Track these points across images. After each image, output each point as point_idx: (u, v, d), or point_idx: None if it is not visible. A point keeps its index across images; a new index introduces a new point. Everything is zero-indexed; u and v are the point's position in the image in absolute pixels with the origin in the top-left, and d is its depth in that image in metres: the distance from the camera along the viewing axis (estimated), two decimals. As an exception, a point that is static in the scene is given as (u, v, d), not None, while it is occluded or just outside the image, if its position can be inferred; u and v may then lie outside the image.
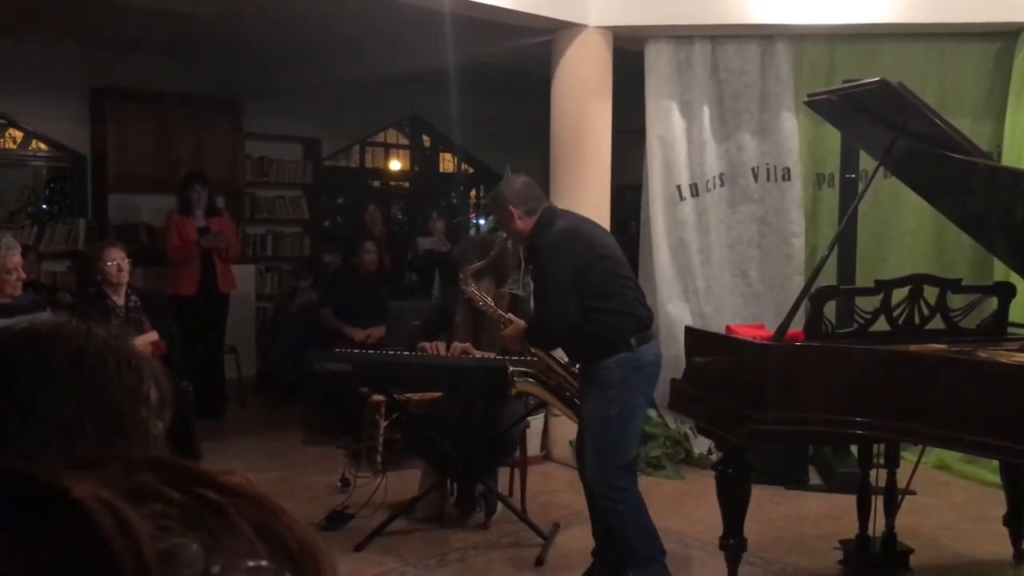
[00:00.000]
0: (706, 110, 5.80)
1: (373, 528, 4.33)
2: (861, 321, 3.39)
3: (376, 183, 10.48)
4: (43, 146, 7.73)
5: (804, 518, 4.71)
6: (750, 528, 3.50)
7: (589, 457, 3.61)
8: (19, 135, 7.66)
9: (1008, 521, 4.00)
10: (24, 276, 4.41)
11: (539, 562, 4.11)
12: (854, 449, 4.44)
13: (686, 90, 5.78)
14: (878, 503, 3.80)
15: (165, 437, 0.92)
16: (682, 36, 5.72)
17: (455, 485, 4.72)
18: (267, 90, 7.97)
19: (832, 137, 5.27)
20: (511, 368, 4.03)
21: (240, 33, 6.77)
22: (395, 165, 10.55)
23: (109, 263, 4.83)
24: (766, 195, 5.79)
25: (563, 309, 3.49)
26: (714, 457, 4.05)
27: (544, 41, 5.62)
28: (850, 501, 3.95)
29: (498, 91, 8.40)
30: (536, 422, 5.40)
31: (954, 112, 4.93)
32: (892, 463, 3.84)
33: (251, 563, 0.42)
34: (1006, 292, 3.71)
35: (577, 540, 4.19)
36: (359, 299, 6.34)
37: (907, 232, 5.70)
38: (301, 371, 4.94)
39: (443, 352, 4.52)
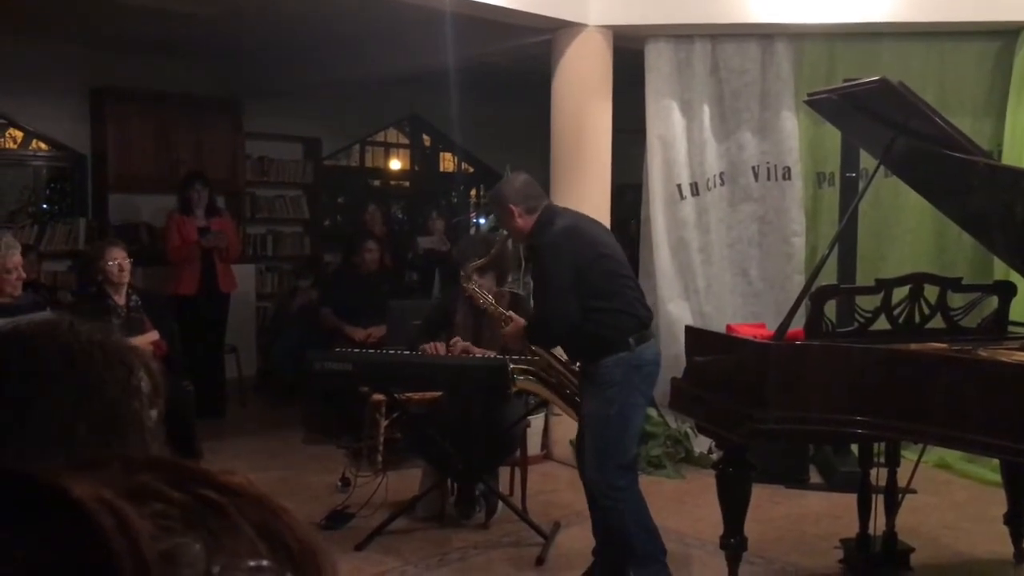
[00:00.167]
0: (706, 109, 5.80)
1: (374, 527, 4.33)
2: (861, 320, 3.39)
3: (376, 182, 10.48)
4: (43, 146, 7.73)
5: (805, 517, 4.71)
6: (751, 527, 3.50)
7: (589, 456, 3.61)
8: (19, 135, 7.66)
9: (1009, 520, 4.00)
10: (24, 276, 4.41)
11: (540, 561, 4.11)
12: (855, 448, 4.44)
13: (686, 89, 5.78)
14: (879, 502, 3.80)
15: (160, 425, 0.91)
16: (682, 35, 5.72)
17: (455, 484, 4.72)
18: (267, 90, 7.97)
19: (832, 136, 5.27)
20: (511, 366, 4.03)
21: (240, 33, 6.77)
22: (395, 164, 10.55)
23: (110, 262, 4.83)
24: (766, 194, 5.79)
25: (563, 308, 3.49)
26: (715, 456, 4.05)
27: (544, 40, 5.62)
28: (851, 500, 3.95)
29: (498, 90, 8.40)
30: (536, 421, 5.41)
31: (954, 111, 4.92)
32: (893, 462, 3.84)
33: (252, 563, 0.42)
34: (1006, 291, 3.71)
35: (578, 539, 4.19)
36: (359, 299, 6.34)
37: (907, 231, 5.70)
38: (301, 371, 4.94)
39: (443, 352, 4.53)
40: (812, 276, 3.46)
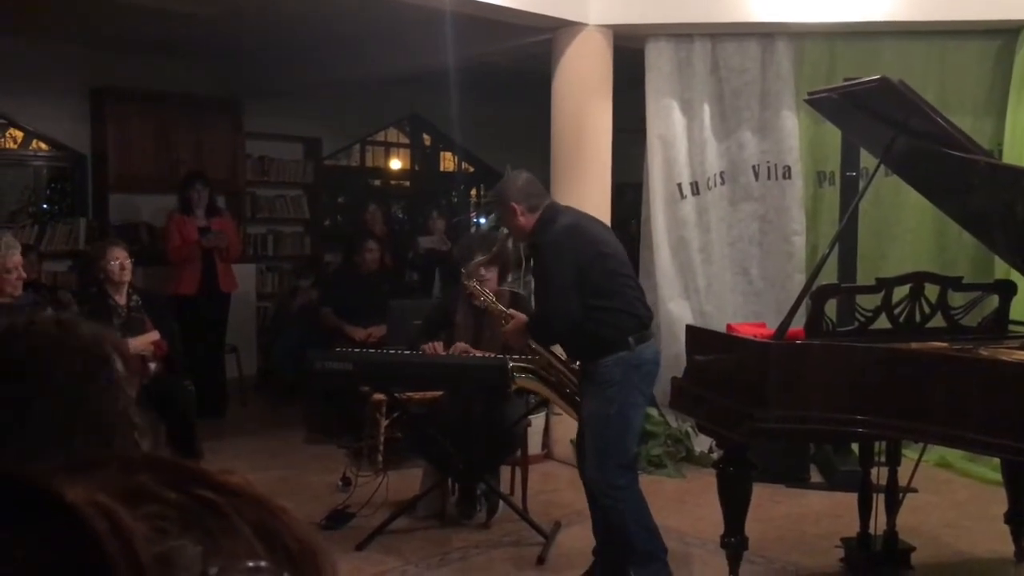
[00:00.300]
0: (706, 108, 5.80)
1: (374, 527, 4.33)
2: (862, 319, 3.39)
3: (377, 182, 10.48)
4: (44, 146, 7.73)
5: (805, 516, 4.71)
6: (751, 526, 3.50)
7: (589, 456, 3.61)
8: (20, 135, 7.66)
9: (1009, 519, 3.99)
10: (24, 276, 4.41)
11: (540, 561, 4.11)
12: (855, 447, 4.44)
13: (686, 88, 5.78)
14: (879, 501, 3.80)
15: (143, 412, 0.91)
16: (682, 34, 5.72)
17: (456, 484, 4.72)
18: (267, 90, 7.97)
19: (833, 135, 5.27)
20: (511, 363, 4.03)
21: (240, 33, 6.77)
22: (396, 164, 10.55)
23: (112, 262, 4.84)
24: (767, 193, 5.79)
25: (565, 306, 3.49)
26: (715, 455, 4.05)
27: (544, 40, 5.62)
28: (851, 499, 3.95)
29: (498, 90, 8.40)
30: (537, 421, 5.41)
31: (955, 110, 4.92)
32: (893, 461, 3.84)
33: (250, 563, 0.42)
34: (1007, 290, 3.71)
35: (578, 539, 4.19)
36: (360, 298, 6.34)
37: (908, 230, 5.70)
38: (302, 370, 4.94)
39: (441, 352, 4.53)
40: (812, 275, 3.46)
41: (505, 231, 4.07)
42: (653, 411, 5.40)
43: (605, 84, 5.62)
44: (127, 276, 4.91)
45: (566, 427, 5.20)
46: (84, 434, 0.85)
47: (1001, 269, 4.62)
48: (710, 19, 5.51)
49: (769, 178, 5.78)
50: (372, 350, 5.28)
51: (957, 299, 3.63)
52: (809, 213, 5.78)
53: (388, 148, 10.46)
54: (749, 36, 5.68)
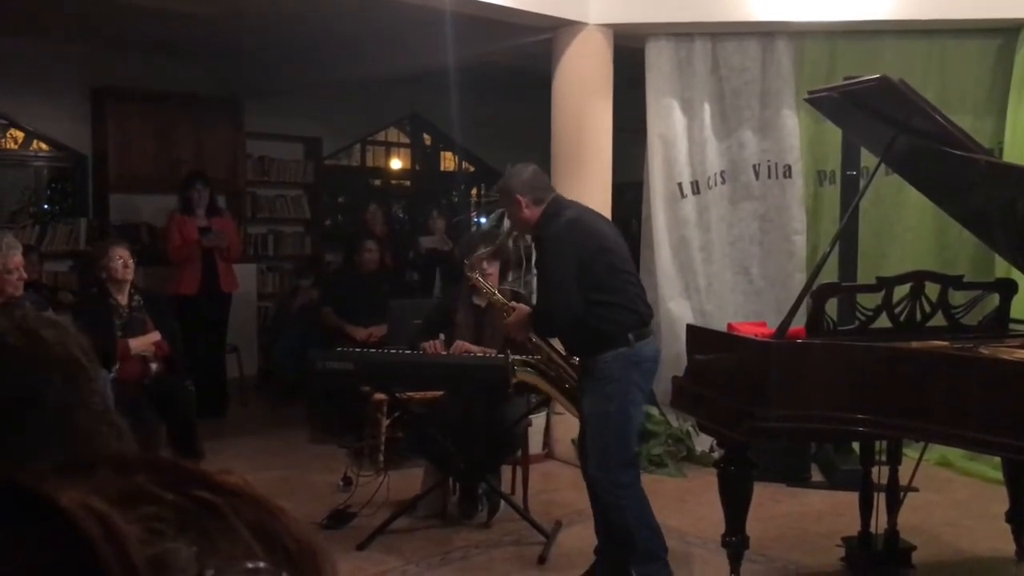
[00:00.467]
0: (707, 107, 5.80)
1: (375, 527, 4.33)
2: (863, 318, 3.39)
3: (377, 182, 10.48)
4: (44, 146, 7.73)
5: (806, 515, 4.71)
6: (752, 526, 3.50)
7: (591, 454, 3.61)
8: (20, 135, 7.66)
9: (1010, 518, 3.99)
10: (25, 276, 4.41)
11: (541, 560, 4.11)
12: (856, 446, 4.44)
13: (687, 88, 5.78)
14: (880, 500, 3.80)
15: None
16: (682, 34, 5.72)
17: (457, 484, 4.72)
18: (267, 90, 7.97)
19: (833, 134, 5.27)
20: (512, 357, 4.03)
21: (240, 33, 6.77)
22: (396, 164, 10.55)
23: (115, 260, 4.84)
24: (767, 192, 5.79)
25: (566, 300, 3.49)
26: (716, 455, 4.04)
27: (544, 39, 5.62)
28: (852, 498, 3.95)
29: (499, 89, 8.39)
30: (538, 420, 5.40)
31: (955, 109, 4.92)
32: (894, 460, 3.84)
33: (248, 564, 0.42)
34: (1008, 289, 3.71)
35: (579, 538, 4.19)
36: (360, 298, 6.34)
37: (908, 229, 5.69)
38: (303, 370, 4.95)
39: (442, 350, 4.52)
40: (813, 274, 3.46)
41: (506, 229, 4.07)
42: (654, 410, 5.40)
43: (605, 84, 5.61)
44: (130, 275, 4.91)
45: (567, 427, 5.20)
46: (71, 439, 0.85)
47: (1002, 268, 4.62)
48: (710, 18, 5.51)
49: (769, 177, 5.78)
50: (373, 350, 5.28)
51: (958, 298, 3.63)
52: (810, 212, 5.78)
53: (388, 148, 10.45)
54: (749, 35, 5.68)
